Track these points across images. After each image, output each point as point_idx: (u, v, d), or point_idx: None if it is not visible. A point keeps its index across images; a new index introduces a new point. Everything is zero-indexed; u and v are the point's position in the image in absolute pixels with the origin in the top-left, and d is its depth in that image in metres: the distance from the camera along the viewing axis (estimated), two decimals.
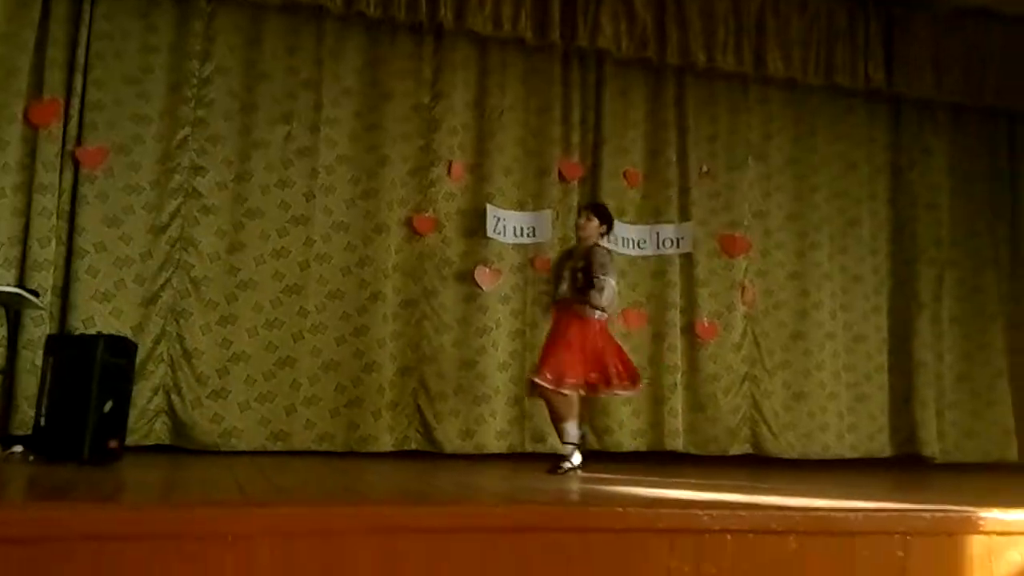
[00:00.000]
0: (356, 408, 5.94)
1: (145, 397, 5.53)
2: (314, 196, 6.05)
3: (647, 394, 6.57)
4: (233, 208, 5.90)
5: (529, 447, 6.21)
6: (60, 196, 5.55)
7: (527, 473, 4.75)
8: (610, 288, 4.88)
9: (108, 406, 4.26)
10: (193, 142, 5.87)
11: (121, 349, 4.51)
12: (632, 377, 5.01)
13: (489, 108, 6.54)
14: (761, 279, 7.03)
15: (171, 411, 5.64)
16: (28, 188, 5.47)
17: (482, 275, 6.27)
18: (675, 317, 6.71)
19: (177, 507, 2.58)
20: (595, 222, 5.08)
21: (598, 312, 4.91)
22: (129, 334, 5.33)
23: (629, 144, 6.85)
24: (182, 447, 5.59)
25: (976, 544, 3.07)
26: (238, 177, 5.94)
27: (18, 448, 4.36)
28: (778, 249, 7.11)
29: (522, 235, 6.38)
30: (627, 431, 6.48)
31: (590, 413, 6.47)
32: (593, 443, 6.42)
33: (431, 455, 6.02)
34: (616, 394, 5.18)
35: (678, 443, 6.53)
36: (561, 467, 4.76)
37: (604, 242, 5.18)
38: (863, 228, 7.35)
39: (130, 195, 5.68)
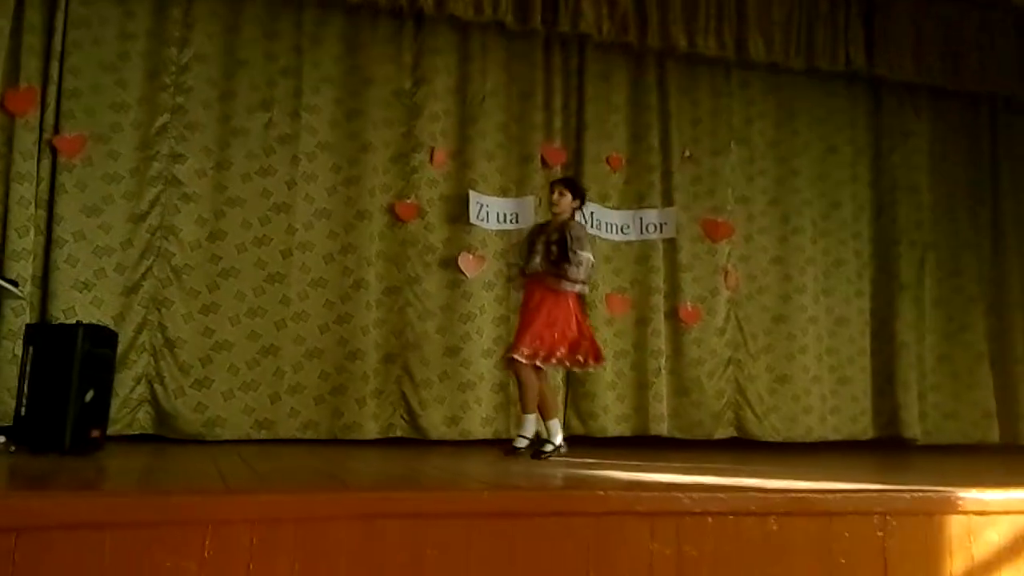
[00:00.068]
0: (340, 396, 5.93)
1: (127, 387, 5.51)
2: (295, 183, 6.02)
3: (631, 379, 6.61)
4: (214, 196, 5.87)
5: (515, 433, 6.15)
6: (38, 185, 5.49)
7: (512, 459, 4.75)
8: (587, 262, 4.81)
9: (89, 396, 4.23)
10: (172, 130, 5.82)
11: (102, 338, 4.47)
12: (597, 355, 4.94)
13: (471, 94, 6.51)
14: (744, 264, 7.06)
15: (154, 400, 5.62)
16: (6, 177, 5.41)
17: (465, 262, 6.26)
18: (659, 302, 6.72)
19: (156, 495, 2.57)
20: (568, 197, 4.98)
21: (579, 286, 4.86)
22: (110, 323, 5.29)
23: (612, 129, 6.85)
24: (166, 437, 5.57)
25: (955, 524, 3.11)
26: (218, 165, 5.90)
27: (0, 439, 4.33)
28: (761, 234, 7.14)
29: (505, 221, 6.37)
30: (612, 416, 6.50)
31: (574, 398, 6.52)
32: (578, 428, 6.47)
33: (416, 442, 6.02)
34: (584, 370, 5.18)
35: (663, 428, 6.56)
36: (535, 451, 4.76)
37: (578, 217, 5.10)
38: (845, 212, 7.39)
39: (109, 184, 5.63)
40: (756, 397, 6.90)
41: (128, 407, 5.51)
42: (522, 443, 4.86)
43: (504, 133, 6.58)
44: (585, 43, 6.78)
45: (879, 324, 7.32)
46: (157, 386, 5.62)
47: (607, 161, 6.80)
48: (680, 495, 2.80)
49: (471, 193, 6.32)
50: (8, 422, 4.48)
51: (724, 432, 6.81)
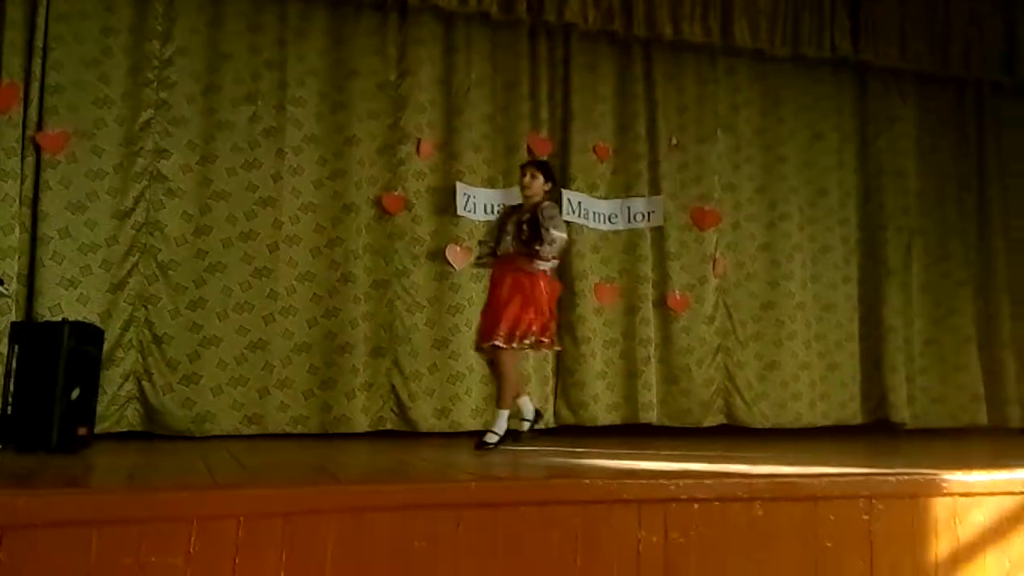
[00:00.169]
0: (330, 390, 5.92)
1: (115, 384, 5.49)
2: (281, 177, 5.99)
3: (621, 368, 6.62)
4: (199, 191, 5.84)
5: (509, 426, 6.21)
6: (22, 182, 5.45)
7: (501, 449, 4.75)
8: (561, 241, 4.70)
9: (76, 393, 4.22)
10: (156, 124, 5.79)
11: (88, 335, 4.45)
12: (552, 336, 4.88)
13: (456, 85, 6.49)
14: (732, 251, 7.07)
15: (142, 397, 5.59)
16: None
17: (453, 253, 6.26)
18: (647, 291, 6.73)
19: (141, 491, 2.56)
20: (540, 179, 4.88)
21: (547, 264, 4.75)
22: (97, 321, 5.27)
23: (598, 118, 6.84)
24: (155, 433, 5.55)
25: (940, 506, 3.13)
26: (203, 159, 5.87)
27: None
28: (748, 221, 7.15)
29: (492, 212, 6.34)
30: (601, 405, 6.51)
31: (563, 387, 6.53)
32: (568, 418, 6.49)
33: (407, 435, 6.03)
34: (545, 351, 5.20)
35: (652, 416, 6.58)
36: (478, 442, 4.72)
37: (550, 199, 4.99)
38: (832, 198, 7.40)
39: (94, 180, 5.60)
40: (745, 384, 6.92)
41: (116, 404, 5.49)
42: (525, 425, 4.87)
43: (490, 124, 6.56)
44: (571, 32, 6.76)
45: (867, 310, 7.35)
46: (145, 383, 5.60)
47: (594, 150, 6.79)
48: (666, 482, 2.81)
49: (458, 184, 6.31)
50: None
51: (714, 419, 6.83)
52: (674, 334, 6.79)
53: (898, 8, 7.43)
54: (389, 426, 6.06)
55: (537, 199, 4.86)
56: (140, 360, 5.62)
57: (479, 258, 5.16)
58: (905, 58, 7.45)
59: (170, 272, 5.71)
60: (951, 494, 3.14)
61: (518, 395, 4.94)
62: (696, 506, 2.79)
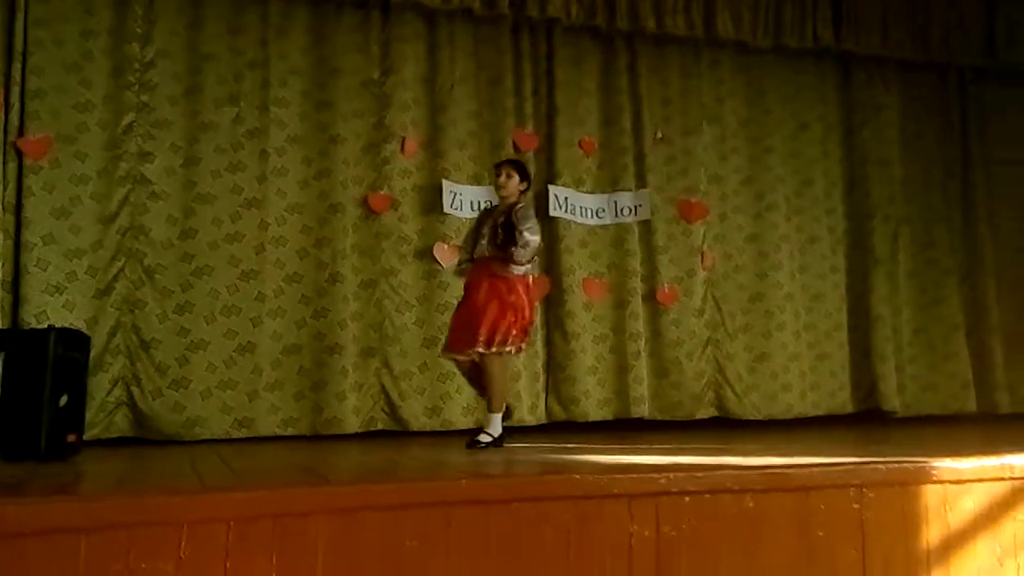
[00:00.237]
0: (320, 391, 5.90)
1: (104, 390, 5.45)
2: (266, 178, 5.96)
3: (611, 363, 6.61)
4: (183, 194, 5.80)
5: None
6: (5, 188, 5.41)
7: (493, 447, 4.74)
8: (534, 243, 4.63)
9: (63, 400, 4.18)
10: (139, 128, 5.75)
11: (74, 342, 4.41)
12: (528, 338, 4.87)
13: (440, 82, 6.48)
14: (720, 243, 7.07)
15: (131, 403, 5.56)
16: None
17: (441, 252, 6.24)
18: (636, 285, 6.73)
19: (130, 497, 2.54)
20: (516, 178, 4.81)
21: (522, 269, 4.66)
22: (84, 327, 5.24)
23: (583, 113, 6.83)
24: (145, 439, 5.52)
25: (930, 493, 3.14)
26: (187, 162, 5.83)
27: None
28: (735, 213, 7.16)
29: (479, 209, 6.32)
30: (593, 400, 6.51)
31: (554, 384, 6.52)
32: (560, 414, 6.48)
33: (398, 434, 6.01)
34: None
35: (644, 410, 6.57)
36: (471, 440, 4.66)
37: (525, 200, 4.93)
38: (818, 188, 7.42)
39: (77, 185, 5.56)
40: (736, 376, 6.93)
41: (105, 410, 5.46)
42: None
43: (475, 120, 6.55)
44: (553, 27, 6.75)
45: (855, 299, 7.38)
46: (134, 388, 5.57)
47: (579, 145, 6.78)
48: (657, 475, 2.81)
49: (444, 182, 6.30)
50: None
51: (705, 412, 6.84)
52: (664, 328, 6.80)
53: None
54: (380, 426, 6.05)
55: (513, 199, 4.80)
56: (128, 365, 5.59)
57: (459, 264, 5.07)
58: (887, 46, 7.48)
59: (156, 276, 5.68)
60: (941, 481, 3.15)
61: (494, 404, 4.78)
62: (687, 499, 2.78)
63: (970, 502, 3.19)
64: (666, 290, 6.80)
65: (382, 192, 6.20)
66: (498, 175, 4.85)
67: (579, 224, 6.66)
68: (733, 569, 2.82)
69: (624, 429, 6.34)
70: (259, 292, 5.85)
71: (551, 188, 6.58)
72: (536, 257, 4.90)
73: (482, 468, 3.51)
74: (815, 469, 3.05)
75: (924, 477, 3.14)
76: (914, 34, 7.56)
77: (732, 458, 3.50)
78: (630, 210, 6.76)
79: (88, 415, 4.81)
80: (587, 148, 6.80)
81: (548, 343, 6.55)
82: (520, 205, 4.77)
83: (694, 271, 6.93)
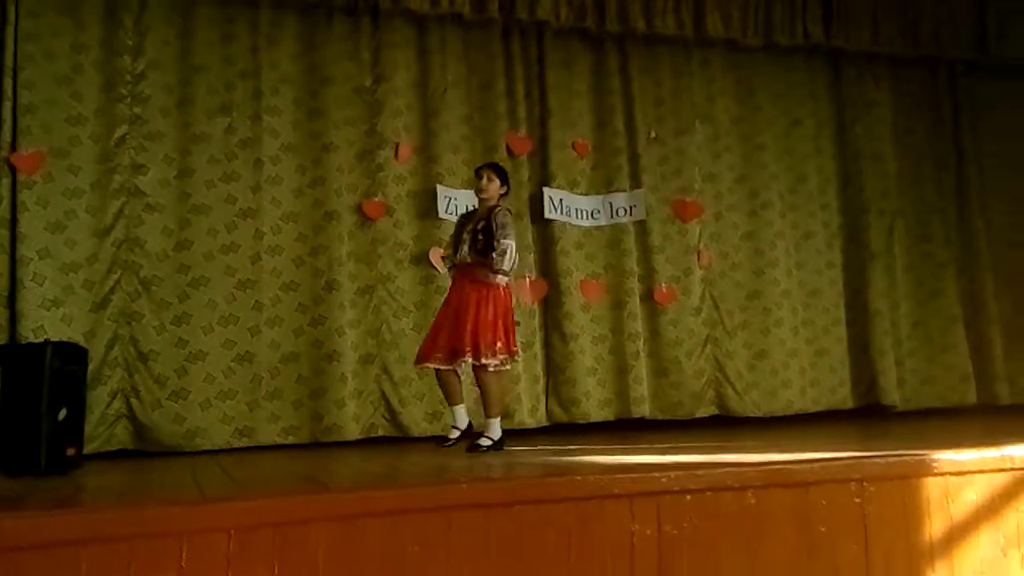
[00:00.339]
0: (320, 399, 5.89)
1: (103, 402, 5.45)
2: (260, 188, 5.96)
3: (611, 364, 6.61)
4: (178, 205, 5.80)
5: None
6: None
7: (493, 450, 4.74)
8: (511, 249, 4.58)
9: (62, 414, 4.18)
10: (132, 140, 5.75)
11: (72, 355, 4.41)
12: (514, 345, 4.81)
13: (432, 87, 6.47)
14: (716, 241, 7.08)
15: (131, 415, 5.55)
16: None
17: (437, 256, 6.22)
18: (633, 285, 6.73)
19: (130, 509, 2.54)
20: (497, 182, 4.81)
21: (500, 277, 4.61)
22: (81, 340, 5.23)
23: (576, 115, 6.83)
24: (145, 451, 5.51)
25: (932, 486, 3.14)
26: (181, 173, 5.83)
27: None
28: (730, 211, 7.16)
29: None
30: (593, 401, 6.50)
31: (555, 385, 6.52)
32: (560, 416, 6.47)
33: (399, 440, 6.00)
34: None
35: (644, 410, 6.57)
36: (481, 445, 4.65)
37: (504, 203, 4.92)
38: (812, 184, 7.43)
39: (71, 199, 5.56)
40: (735, 374, 6.93)
41: (105, 423, 5.45)
42: (454, 433, 4.75)
43: (468, 125, 6.55)
44: (544, 30, 6.76)
45: (852, 294, 7.38)
46: (133, 400, 5.56)
47: (573, 147, 6.78)
48: (658, 475, 2.81)
49: (439, 187, 6.30)
50: None
51: (706, 410, 6.83)
52: (662, 327, 6.79)
53: None
54: (381, 432, 6.04)
55: (492, 202, 4.79)
56: (127, 378, 5.58)
57: (449, 269, 5.04)
58: (877, 42, 7.49)
59: (153, 288, 5.67)
60: (942, 473, 3.15)
61: (490, 410, 4.79)
62: (689, 497, 2.78)
63: (972, 494, 3.19)
64: (663, 290, 6.80)
65: (377, 199, 6.20)
66: (479, 178, 4.85)
67: (575, 226, 6.67)
68: (735, 566, 2.82)
69: (625, 429, 6.33)
70: (256, 301, 5.85)
71: (546, 191, 6.58)
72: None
73: (483, 472, 3.50)
74: (816, 464, 3.04)
75: (925, 470, 3.14)
76: (904, 29, 7.57)
77: (733, 455, 3.50)
78: (625, 211, 6.77)
79: (88, 428, 4.80)
80: (581, 150, 6.80)
81: (547, 345, 6.55)
82: (499, 209, 4.75)
83: (691, 270, 6.93)
